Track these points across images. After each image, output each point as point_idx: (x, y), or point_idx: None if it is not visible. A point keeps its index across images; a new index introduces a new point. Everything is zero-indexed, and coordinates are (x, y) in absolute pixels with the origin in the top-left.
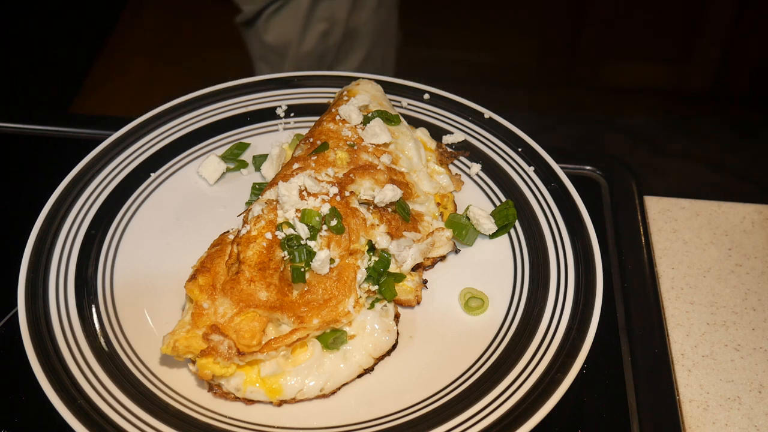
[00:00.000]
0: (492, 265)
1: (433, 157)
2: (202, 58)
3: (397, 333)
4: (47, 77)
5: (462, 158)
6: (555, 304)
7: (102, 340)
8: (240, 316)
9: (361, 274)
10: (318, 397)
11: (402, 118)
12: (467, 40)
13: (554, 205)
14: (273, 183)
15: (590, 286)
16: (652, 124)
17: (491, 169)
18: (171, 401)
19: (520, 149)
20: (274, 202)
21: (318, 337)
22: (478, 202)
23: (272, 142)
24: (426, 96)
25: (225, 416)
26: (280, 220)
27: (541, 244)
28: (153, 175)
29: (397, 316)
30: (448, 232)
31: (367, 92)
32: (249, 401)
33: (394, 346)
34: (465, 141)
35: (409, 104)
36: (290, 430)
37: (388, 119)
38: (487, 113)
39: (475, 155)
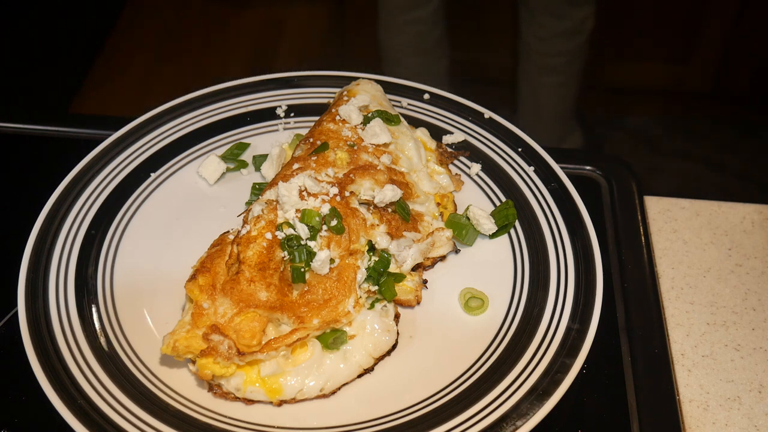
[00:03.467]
0: (492, 265)
1: (433, 157)
2: (202, 58)
3: (397, 333)
4: (47, 77)
5: (462, 158)
6: (555, 304)
7: (102, 340)
8: (240, 316)
9: (361, 274)
10: (318, 397)
11: (402, 118)
12: (467, 40)
13: (554, 205)
14: (273, 183)
15: (590, 286)
16: (652, 124)
17: (491, 169)
18: (171, 401)
19: (520, 149)
20: (274, 202)
21: (318, 337)
22: (478, 202)
23: (272, 142)
24: (426, 96)
25: (225, 416)
26: (280, 220)
27: (541, 244)
28: (153, 175)
29: (397, 316)
30: (448, 232)
31: (367, 92)
32: (249, 401)
33: (394, 346)
34: (465, 141)
35: (409, 104)
36: (290, 430)
37: (388, 119)
38: (487, 113)
39: (475, 155)
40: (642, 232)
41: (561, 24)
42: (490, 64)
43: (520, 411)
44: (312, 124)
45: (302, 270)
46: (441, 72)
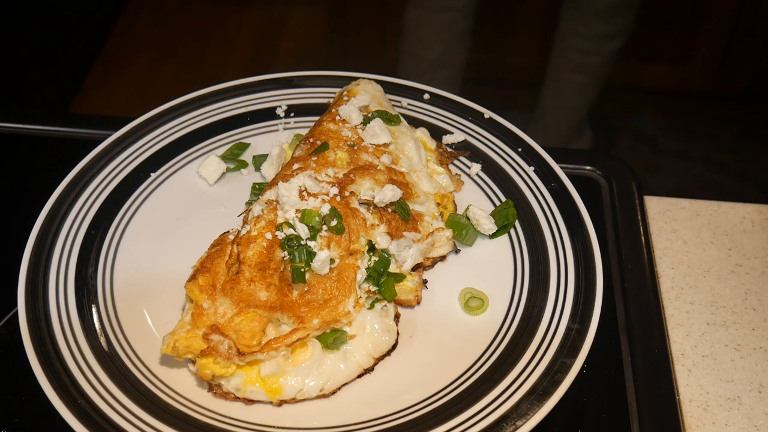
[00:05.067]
0: (492, 265)
1: (433, 157)
2: (202, 58)
3: (397, 333)
4: (47, 77)
5: (462, 158)
6: (555, 304)
7: (102, 340)
8: (240, 316)
9: (361, 274)
10: (318, 397)
11: (402, 118)
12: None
13: (554, 205)
14: (273, 183)
15: (590, 286)
16: (652, 124)
17: (491, 169)
18: (171, 401)
19: (520, 149)
20: (274, 203)
21: (318, 337)
22: (478, 202)
23: (272, 142)
24: (426, 96)
25: (225, 416)
26: (280, 220)
27: (541, 244)
28: (153, 175)
29: (397, 316)
30: (448, 232)
31: (367, 92)
32: (249, 401)
33: (394, 346)
34: (465, 141)
35: (409, 104)
36: (290, 430)
37: (388, 119)
38: (487, 113)
39: (475, 155)
40: (642, 232)
41: (606, 27)
42: (510, 65)
43: (520, 411)
44: (312, 124)
45: (302, 270)
46: (459, 65)
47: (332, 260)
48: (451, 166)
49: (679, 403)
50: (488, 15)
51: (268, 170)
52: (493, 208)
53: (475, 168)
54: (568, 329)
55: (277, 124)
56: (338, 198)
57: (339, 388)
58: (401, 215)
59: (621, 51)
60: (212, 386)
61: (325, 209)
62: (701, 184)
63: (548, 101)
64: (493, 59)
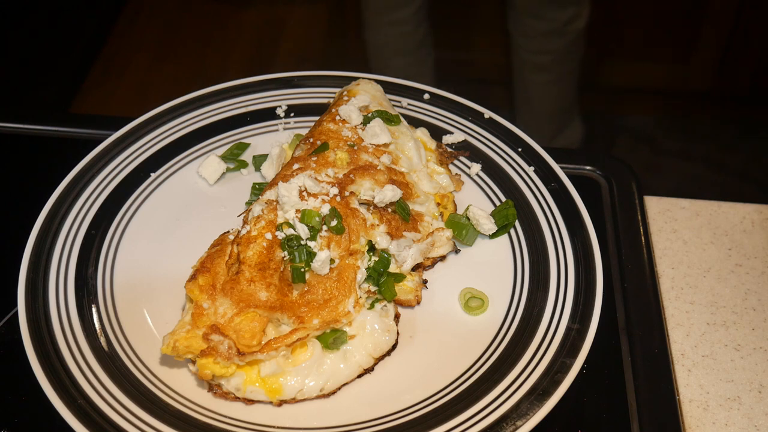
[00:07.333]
0: (492, 265)
1: (433, 157)
2: (202, 58)
3: (397, 333)
4: (47, 77)
5: (462, 158)
6: (555, 304)
7: (102, 340)
8: (240, 316)
9: (361, 275)
10: (318, 397)
11: (402, 118)
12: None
13: (554, 205)
14: (273, 183)
15: (590, 286)
16: (652, 124)
17: (491, 169)
18: (171, 401)
19: (520, 149)
20: (274, 203)
21: (318, 337)
22: (478, 202)
23: (272, 142)
24: (426, 96)
25: (225, 416)
26: (280, 220)
27: (541, 244)
28: (153, 175)
29: (397, 316)
30: (448, 232)
31: (367, 92)
32: (249, 401)
33: (394, 346)
34: (465, 141)
35: (409, 104)
36: (290, 430)
37: (388, 119)
38: (487, 113)
39: (475, 155)
40: (642, 232)
41: (545, 25)
42: (477, 62)
43: (520, 411)
44: (312, 124)
45: (302, 270)
46: (427, 72)
47: (332, 260)
48: (451, 166)
49: (679, 403)
50: (444, 19)
51: (268, 170)
52: (493, 208)
53: (475, 168)
54: (568, 329)
55: (277, 124)
56: (338, 198)
57: (339, 388)
58: (401, 215)
59: (576, 45)
60: (212, 386)
61: (325, 209)
62: (701, 184)
63: (520, 99)
64: (472, 57)
